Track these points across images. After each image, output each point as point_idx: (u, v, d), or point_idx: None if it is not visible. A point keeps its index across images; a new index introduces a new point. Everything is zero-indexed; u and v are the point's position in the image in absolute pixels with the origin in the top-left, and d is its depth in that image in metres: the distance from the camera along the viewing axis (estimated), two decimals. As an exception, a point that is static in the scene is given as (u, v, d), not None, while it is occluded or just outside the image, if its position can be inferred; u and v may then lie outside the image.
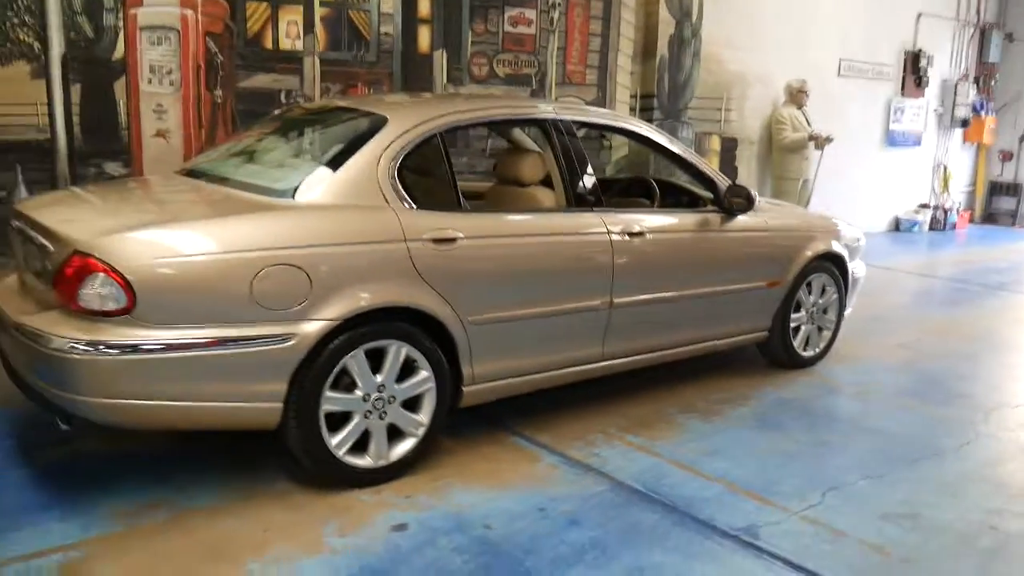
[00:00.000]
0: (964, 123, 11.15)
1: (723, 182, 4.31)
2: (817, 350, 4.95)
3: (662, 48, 7.72)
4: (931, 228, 10.99)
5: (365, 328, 3.07)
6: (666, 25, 7.71)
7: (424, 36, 6.34)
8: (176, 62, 5.29)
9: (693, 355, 4.37)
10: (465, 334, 3.34)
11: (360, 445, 3.18)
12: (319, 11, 5.79)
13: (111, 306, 2.72)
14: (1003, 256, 9.74)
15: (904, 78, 10.31)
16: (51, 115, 4.93)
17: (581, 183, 3.80)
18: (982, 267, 8.85)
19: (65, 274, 2.77)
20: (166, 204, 3.32)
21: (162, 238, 2.81)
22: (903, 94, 10.38)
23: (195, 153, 5.41)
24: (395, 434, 3.26)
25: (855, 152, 9.80)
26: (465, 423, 3.72)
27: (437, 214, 3.32)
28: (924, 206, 11.08)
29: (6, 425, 3.69)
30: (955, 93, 10.93)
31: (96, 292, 2.71)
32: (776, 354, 4.79)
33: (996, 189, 11.90)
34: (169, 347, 2.76)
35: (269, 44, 5.65)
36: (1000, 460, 3.77)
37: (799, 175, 8.66)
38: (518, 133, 4.68)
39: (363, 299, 3.04)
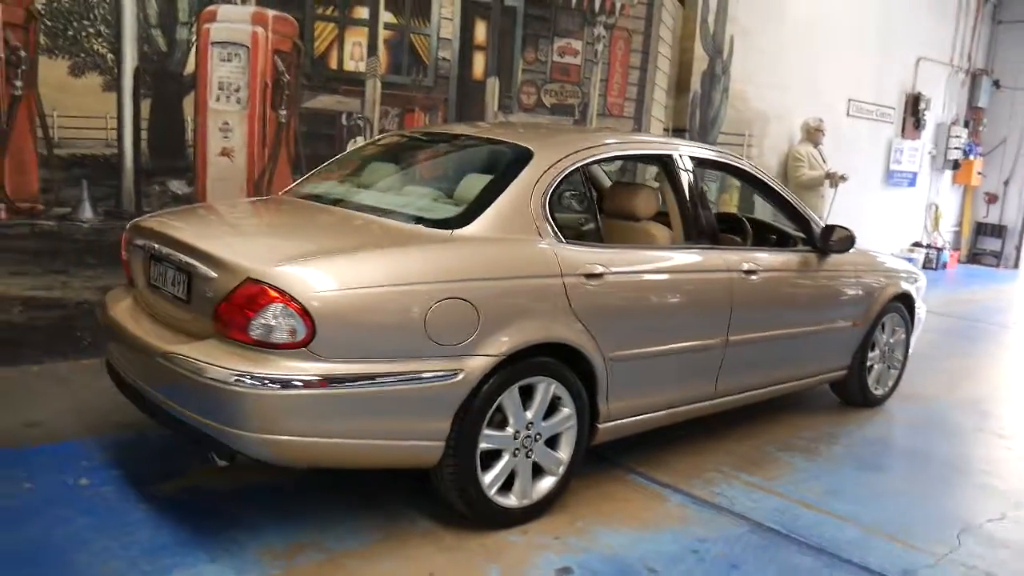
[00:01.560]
0: (955, 165, 11.53)
1: (817, 222, 4.37)
2: (886, 389, 5.02)
3: (695, 84, 7.82)
4: (924, 267, 11.29)
5: (521, 364, 3.00)
6: (700, 61, 7.81)
7: (479, 63, 6.31)
8: (244, 80, 5.15)
9: (785, 393, 4.38)
10: (605, 370, 3.29)
11: (504, 484, 3.10)
12: (383, 33, 5.71)
13: (287, 338, 2.60)
14: (997, 296, 10.09)
15: (904, 120, 10.62)
16: (120, 129, 4.74)
17: (702, 219, 3.80)
18: (985, 305, 9.13)
19: (234, 303, 2.65)
20: (322, 232, 3.18)
21: (339, 268, 2.70)
22: (903, 135, 10.69)
23: (257, 174, 5.27)
24: (536, 473, 3.19)
25: (859, 191, 10.02)
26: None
27: (584, 248, 3.27)
28: (917, 244, 11.40)
29: (104, 456, 3.50)
30: (948, 136, 11.31)
31: (272, 323, 2.59)
32: (851, 392, 4.84)
33: (981, 230, 12.31)
34: (345, 382, 2.65)
35: (334, 65, 5.54)
36: (1101, 503, 3.85)
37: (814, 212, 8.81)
38: (596, 169, 4.65)
39: (525, 334, 2.98)
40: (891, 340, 4.94)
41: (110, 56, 4.64)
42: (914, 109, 10.63)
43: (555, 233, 3.18)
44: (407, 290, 2.74)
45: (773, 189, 4.31)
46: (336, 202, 3.47)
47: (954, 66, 11.32)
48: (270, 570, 2.73)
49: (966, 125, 11.64)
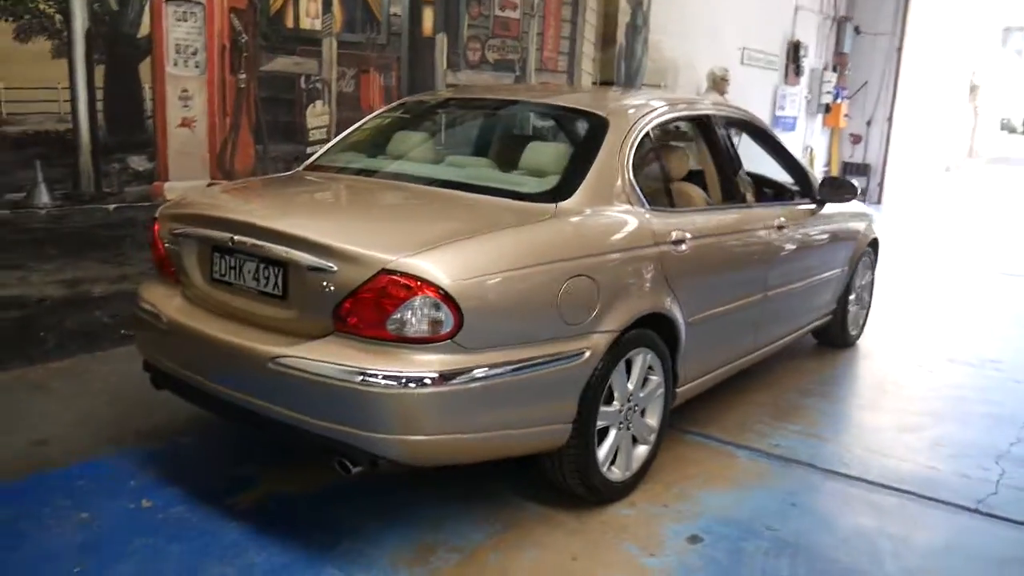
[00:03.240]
0: (827, 109, 12.28)
1: (814, 174, 4.54)
2: (859, 329, 5.34)
3: (620, 36, 7.84)
4: (804, 205, 12.01)
5: (628, 337, 2.95)
6: (623, 14, 7.83)
7: (428, 18, 6.02)
8: (202, 41, 4.66)
9: (796, 340, 4.57)
10: (684, 335, 3.30)
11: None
12: (337, -13, 5.33)
13: (432, 331, 2.42)
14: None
15: (787, 67, 11.16)
16: (73, 101, 4.17)
17: (737, 179, 3.84)
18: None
19: (364, 297, 2.43)
20: (426, 213, 2.92)
21: (477, 252, 2.53)
22: (786, 82, 11.24)
23: (220, 145, 4.82)
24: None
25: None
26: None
27: (666, 215, 3.24)
28: (797, 185, 12.09)
29: (150, 472, 3.15)
30: (821, 81, 12.01)
31: (415, 316, 2.41)
32: (834, 335, 5.09)
33: (848, 169, 13.22)
34: (491, 372, 2.50)
35: (290, 23, 5.12)
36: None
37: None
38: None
39: (635, 307, 2.93)
40: (862, 283, 5.24)
41: (58, 17, 4.06)
42: (795, 56, 11.19)
43: (642, 201, 3.13)
44: (543, 269, 2.62)
45: (780, 144, 4.43)
46: (399, 177, 3.24)
47: (823, 13, 11.97)
48: (419, 576, 2.59)
49: (834, 70, 12.39)
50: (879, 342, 5.40)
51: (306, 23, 5.21)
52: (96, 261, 4.39)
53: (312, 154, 5.29)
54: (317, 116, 5.37)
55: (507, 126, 3.57)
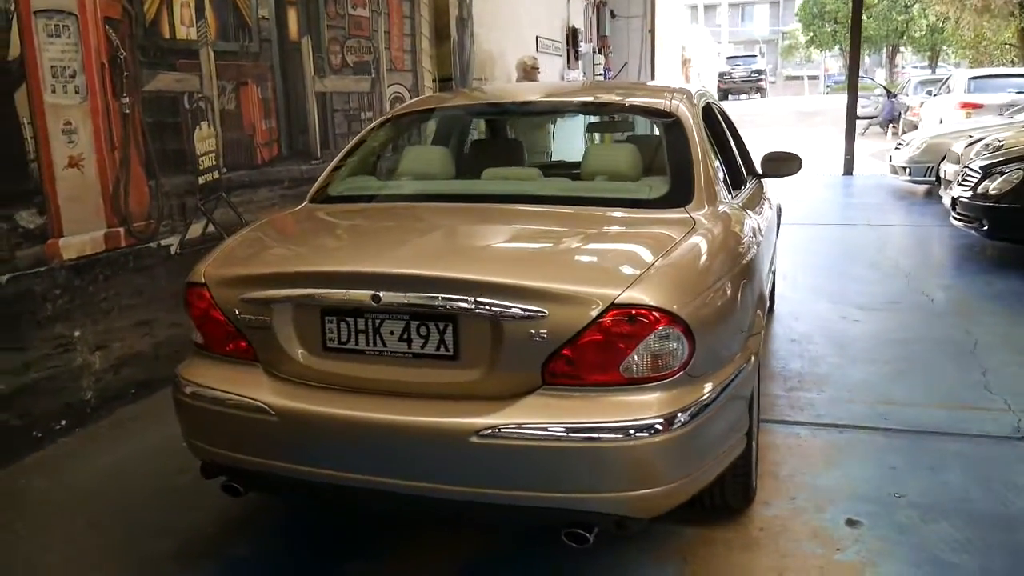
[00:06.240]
0: (600, 89, 12.91)
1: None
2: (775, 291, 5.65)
3: (453, 30, 7.60)
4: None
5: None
6: (453, 7, 7.60)
7: (293, 20, 5.38)
8: (79, 61, 3.76)
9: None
10: (760, 322, 3.26)
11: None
12: (206, -11, 4.57)
13: (666, 365, 2.15)
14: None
15: (568, 51, 11.55)
16: (-56, 149, 3.19)
17: (738, 159, 3.86)
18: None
19: (590, 340, 2.09)
20: (581, 235, 2.57)
21: (681, 272, 2.29)
22: (568, 66, 11.64)
23: (112, 185, 3.95)
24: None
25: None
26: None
27: (736, 204, 3.15)
28: (585, 164, 12.63)
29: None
30: (593, 63, 12.58)
31: (652, 351, 2.12)
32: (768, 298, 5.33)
33: (620, 144, 14.03)
34: (714, 398, 2.28)
35: (167, 32, 4.31)
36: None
37: (544, 147, 9.26)
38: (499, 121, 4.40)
39: (763, 302, 2.85)
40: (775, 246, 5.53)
41: (-87, 40, 3.06)
42: (574, 41, 11.60)
43: (729, 192, 3.03)
44: (728, 278, 2.44)
45: (731, 122, 4.51)
46: (484, 198, 2.86)
47: (586, 0, 12.54)
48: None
49: (599, 52, 13.05)
50: (795, 305, 5.73)
51: (182, 32, 4.42)
52: (-8, 351, 3.42)
53: (206, 185, 4.60)
54: (204, 140, 4.60)
55: (611, 131, 3.30)
